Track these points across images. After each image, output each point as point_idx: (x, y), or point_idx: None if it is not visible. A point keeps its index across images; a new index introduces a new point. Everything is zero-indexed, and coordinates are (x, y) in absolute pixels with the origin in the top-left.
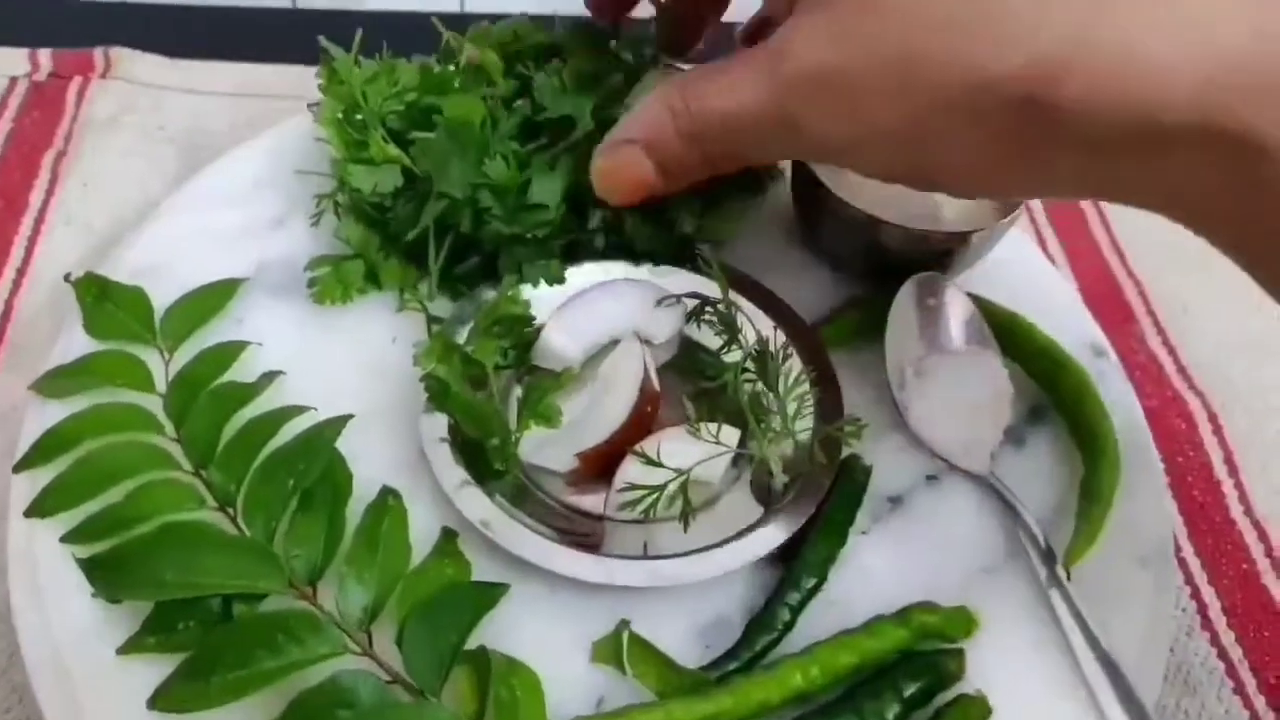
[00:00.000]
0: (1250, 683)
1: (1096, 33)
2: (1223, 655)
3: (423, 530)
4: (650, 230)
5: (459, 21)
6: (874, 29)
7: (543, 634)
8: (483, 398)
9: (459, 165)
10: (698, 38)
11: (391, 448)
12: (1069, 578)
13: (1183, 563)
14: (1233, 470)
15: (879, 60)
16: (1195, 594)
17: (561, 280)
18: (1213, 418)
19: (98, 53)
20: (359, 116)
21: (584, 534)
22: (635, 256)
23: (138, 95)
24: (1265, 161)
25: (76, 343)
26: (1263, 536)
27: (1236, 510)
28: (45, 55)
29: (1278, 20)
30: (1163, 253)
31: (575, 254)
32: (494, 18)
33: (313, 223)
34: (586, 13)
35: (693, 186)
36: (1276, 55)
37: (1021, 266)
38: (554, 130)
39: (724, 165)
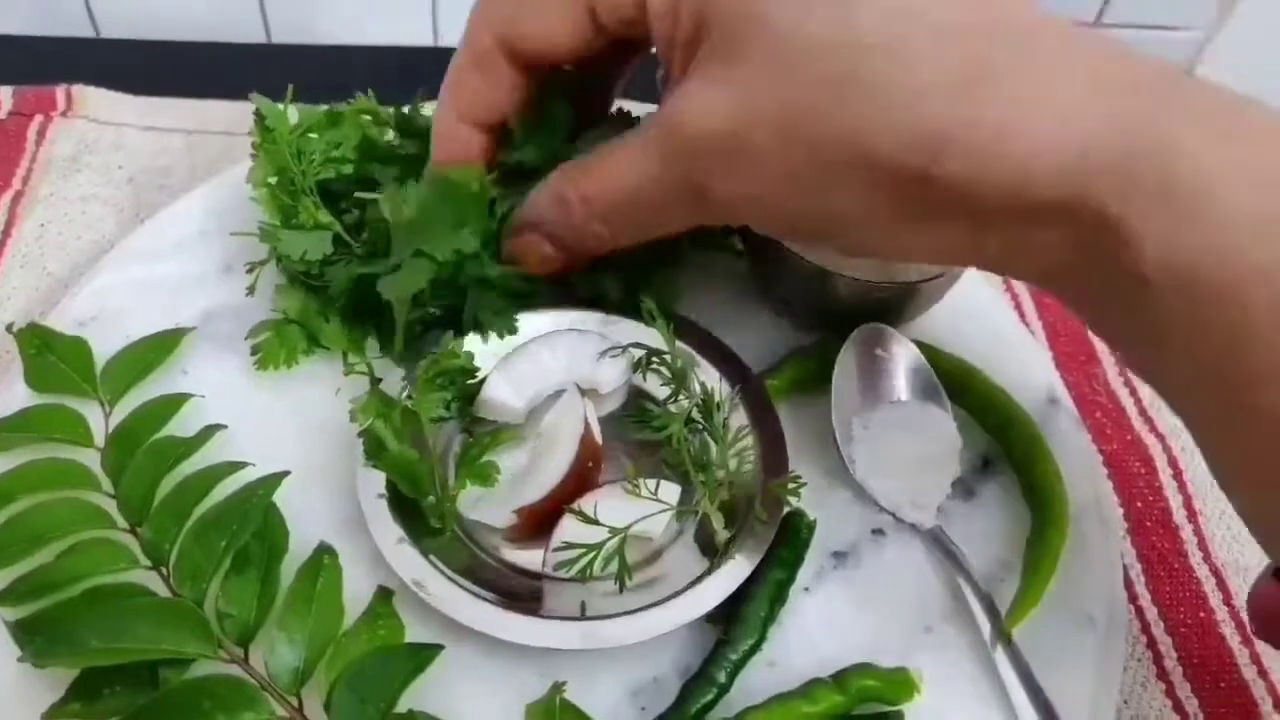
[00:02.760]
0: None
1: (974, 111)
2: (1179, 708)
3: (362, 589)
4: (594, 279)
5: (434, 55)
6: (762, 85)
7: (477, 696)
8: (420, 453)
9: (445, 227)
10: (606, 105)
11: (333, 504)
12: (1010, 639)
13: (1139, 610)
14: (1192, 516)
15: (767, 115)
16: (1151, 644)
17: (514, 331)
18: (1173, 461)
19: (60, 90)
20: (291, 180)
21: (522, 592)
22: (582, 305)
23: (99, 133)
24: (1116, 238)
25: (18, 395)
26: (1221, 585)
27: (1195, 557)
28: (6, 93)
29: (1129, 104)
30: None
31: (526, 304)
32: None
33: (247, 293)
34: None
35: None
36: (1128, 137)
37: (979, 312)
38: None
39: (627, 240)
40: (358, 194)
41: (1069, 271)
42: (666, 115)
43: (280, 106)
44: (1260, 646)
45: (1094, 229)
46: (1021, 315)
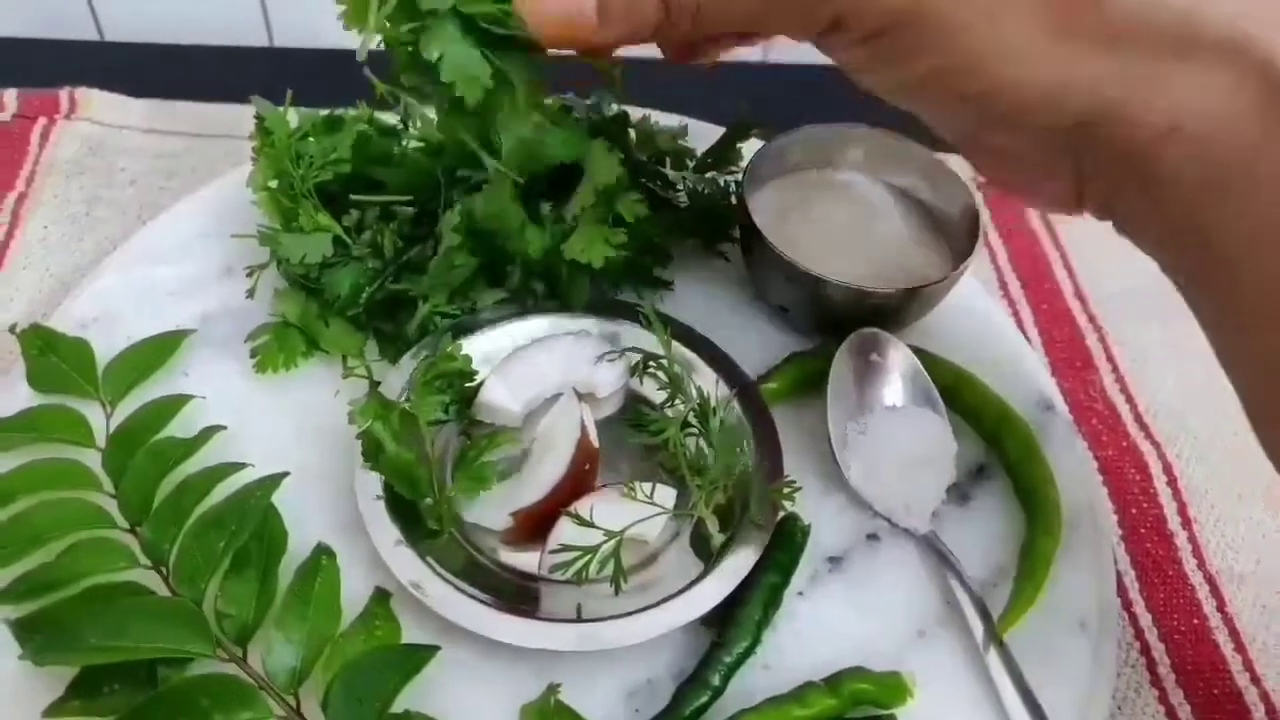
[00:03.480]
0: None
1: None
2: (1171, 714)
3: (360, 589)
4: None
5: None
6: None
7: (474, 696)
8: (418, 455)
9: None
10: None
11: (332, 506)
12: (1002, 643)
13: (1134, 617)
14: (1186, 523)
15: None
16: (1145, 649)
17: None
18: (1168, 468)
19: (63, 93)
20: (290, 184)
21: (519, 594)
22: (579, 310)
23: (102, 136)
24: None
25: (20, 395)
26: (1215, 592)
27: (1190, 564)
28: (11, 95)
29: None
30: (1125, 301)
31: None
32: None
33: (247, 295)
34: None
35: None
36: None
37: (976, 317)
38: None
39: (700, 28)
40: (355, 196)
41: (1206, 117)
42: None
43: (280, 110)
44: (1253, 654)
45: (1253, 71)
46: (1019, 322)
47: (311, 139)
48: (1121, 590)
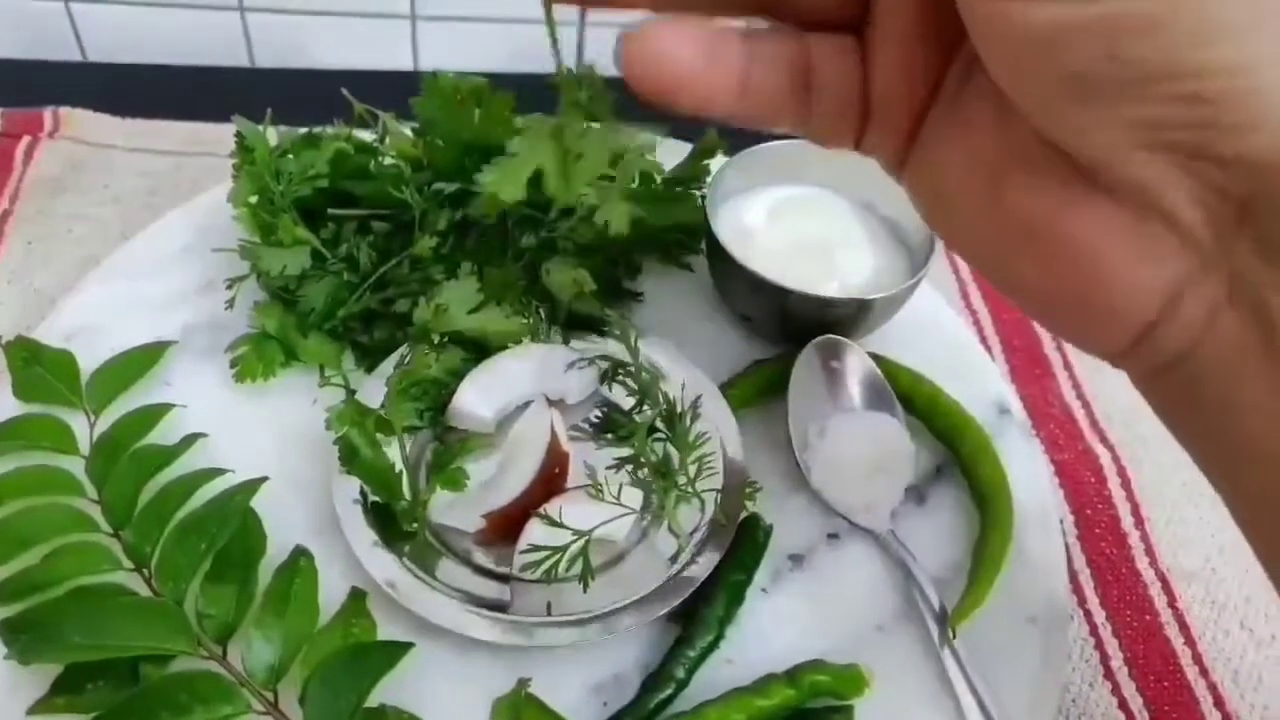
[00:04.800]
0: None
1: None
2: (1123, 706)
3: (337, 590)
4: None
5: (414, 79)
6: None
7: (448, 692)
8: (392, 459)
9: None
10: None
11: (310, 510)
12: (954, 636)
13: (1088, 614)
14: (1139, 523)
15: None
16: (1099, 645)
17: None
18: (1121, 471)
19: (47, 112)
20: (270, 199)
21: (491, 593)
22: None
23: (86, 154)
24: None
25: (6, 405)
26: (1166, 589)
27: (1142, 563)
28: None
29: None
30: None
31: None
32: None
33: (227, 307)
34: (539, 69)
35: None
36: None
37: (935, 325)
38: None
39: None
40: (332, 210)
41: None
42: None
43: (261, 129)
44: (1202, 647)
45: None
46: (980, 331)
47: (290, 156)
48: (1077, 588)
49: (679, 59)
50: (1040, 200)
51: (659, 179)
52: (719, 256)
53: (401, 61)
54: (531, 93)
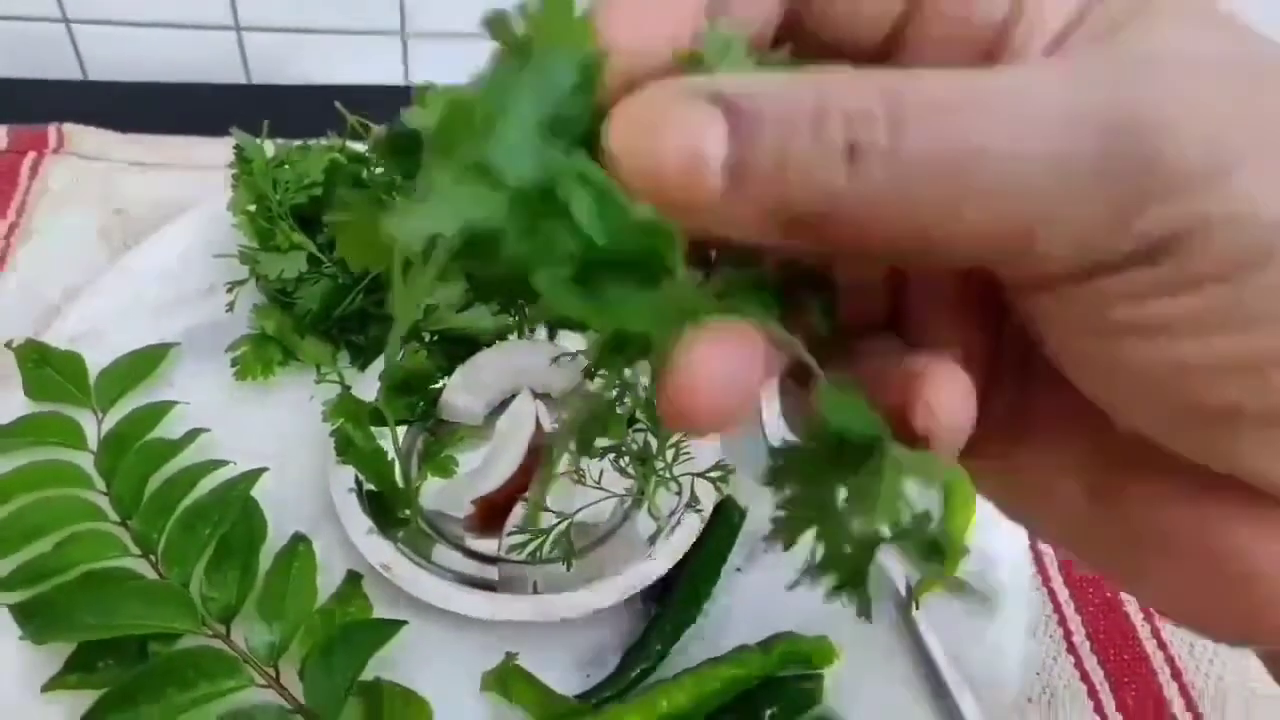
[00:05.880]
0: (1109, 703)
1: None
2: (1085, 678)
3: (334, 573)
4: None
5: (403, 94)
6: None
7: (440, 667)
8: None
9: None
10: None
11: (308, 499)
12: (918, 608)
13: (1052, 592)
14: None
15: None
16: (1062, 621)
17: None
18: None
19: (52, 129)
20: (268, 206)
21: (480, 574)
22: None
23: (89, 169)
24: None
25: (13, 406)
26: None
27: None
28: (1, 131)
29: None
30: None
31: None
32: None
33: (227, 309)
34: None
35: None
36: None
37: None
38: None
39: (881, 239)
40: (327, 217)
41: None
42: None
43: (258, 141)
44: (1159, 622)
45: None
46: None
47: (286, 166)
48: (1041, 567)
49: (734, 381)
50: (1166, 511)
51: None
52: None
53: (393, 77)
54: None
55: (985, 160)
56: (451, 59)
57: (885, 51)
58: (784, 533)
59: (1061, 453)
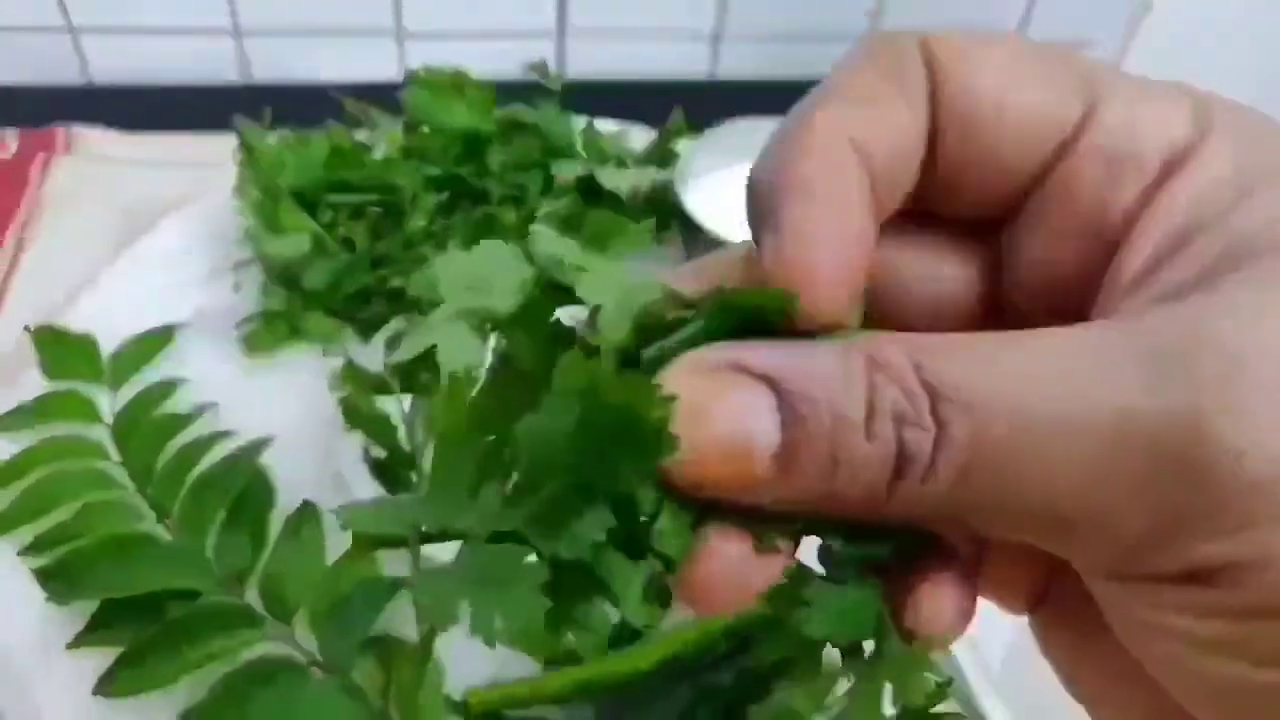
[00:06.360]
0: None
1: None
2: None
3: (343, 540)
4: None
5: (400, 92)
6: None
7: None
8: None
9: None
10: None
11: (316, 475)
12: None
13: None
14: None
15: None
16: None
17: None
18: None
19: (60, 131)
20: (272, 189)
21: None
22: None
23: (96, 168)
24: None
25: (34, 384)
26: None
27: None
28: (11, 134)
29: None
30: None
31: None
32: None
33: (234, 289)
34: (531, 76)
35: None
36: None
37: None
38: None
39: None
40: (329, 198)
41: None
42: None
43: (261, 127)
44: None
45: None
46: None
47: (289, 151)
48: None
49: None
50: None
51: (629, 163)
52: (690, 231)
53: (390, 74)
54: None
55: (1027, 464)
56: (445, 59)
57: (999, 220)
58: None
59: (1126, 694)
